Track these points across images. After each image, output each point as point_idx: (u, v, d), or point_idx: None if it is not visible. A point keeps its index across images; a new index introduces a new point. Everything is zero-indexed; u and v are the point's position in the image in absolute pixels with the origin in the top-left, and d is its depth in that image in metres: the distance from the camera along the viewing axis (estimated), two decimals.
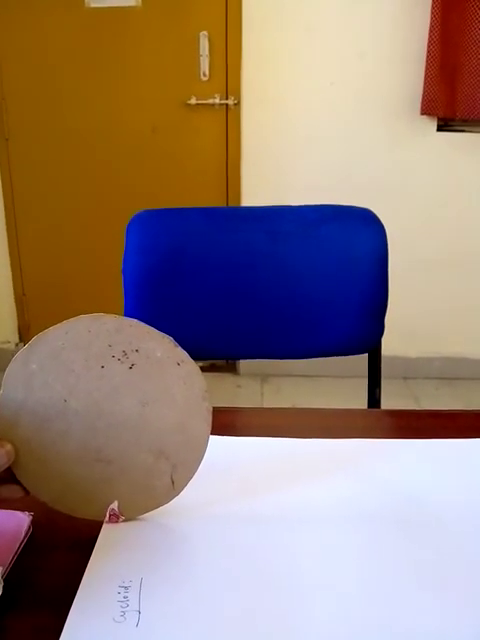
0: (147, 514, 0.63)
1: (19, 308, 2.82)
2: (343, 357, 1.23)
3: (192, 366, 0.59)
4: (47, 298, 2.79)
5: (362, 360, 1.26)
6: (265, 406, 2.47)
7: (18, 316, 2.83)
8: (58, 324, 0.57)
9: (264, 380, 2.73)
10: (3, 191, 2.66)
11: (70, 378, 0.58)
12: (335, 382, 2.64)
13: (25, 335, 2.84)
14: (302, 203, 1.22)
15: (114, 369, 0.58)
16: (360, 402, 1.27)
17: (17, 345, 2.84)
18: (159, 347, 0.58)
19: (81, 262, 2.74)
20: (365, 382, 1.26)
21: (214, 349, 1.21)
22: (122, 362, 0.58)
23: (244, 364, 2.76)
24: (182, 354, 0.59)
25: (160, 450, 0.60)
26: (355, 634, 0.50)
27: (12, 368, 0.58)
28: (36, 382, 0.58)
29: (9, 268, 2.76)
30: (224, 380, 2.72)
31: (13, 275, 2.77)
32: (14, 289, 2.79)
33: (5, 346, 2.83)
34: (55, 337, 0.57)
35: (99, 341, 0.57)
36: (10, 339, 2.84)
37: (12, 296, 2.80)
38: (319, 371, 2.68)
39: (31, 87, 2.54)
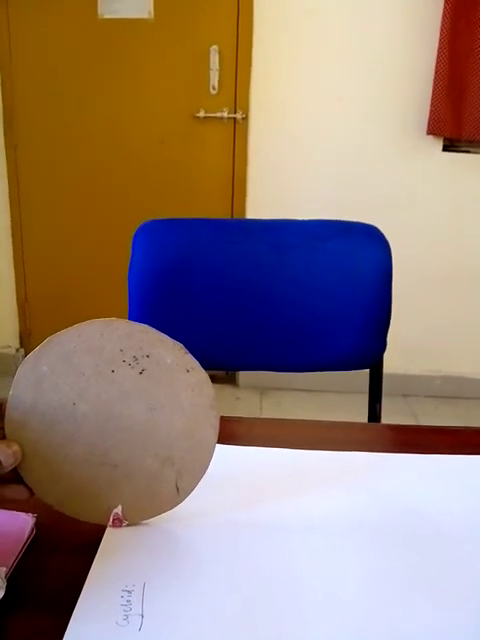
0: (150, 519, 0.63)
1: (21, 314, 2.82)
2: (343, 372, 1.23)
3: (201, 374, 0.60)
4: (49, 305, 2.80)
5: (362, 376, 1.26)
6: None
7: (19, 322, 2.83)
8: (70, 327, 0.58)
9: (263, 393, 2.73)
10: (10, 197, 2.67)
11: (80, 381, 0.58)
12: (335, 397, 2.64)
13: (26, 341, 2.85)
14: (306, 218, 1.23)
15: (124, 374, 0.59)
16: (360, 418, 1.27)
17: (17, 350, 2.84)
18: (169, 354, 0.59)
19: (85, 271, 2.75)
20: (365, 398, 1.27)
21: (215, 360, 1.21)
22: (132, 367, 0.59)
23: (243, 376, 2.76)
24: (192, 362, 0.59)
25: (166, 456, 0.61)
26: None
27: (23, 369, 0.58)
28: (46, 384, 0.58)
29: (13, 274, 2.77)
30: (223, 392, 2.72)
31: (16, 281, 2.78)
32: (17, 295, 2.80)
33: (6, 351, 2.83)
34: (67, 340, 0.58)
35: (111, 345, 0.58)
36: (11, 344, 2.84)
37: (15, 302, 2.80)
38: (319, 386, 2.68)
39: (41, 95, 2.56)
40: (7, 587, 0.54)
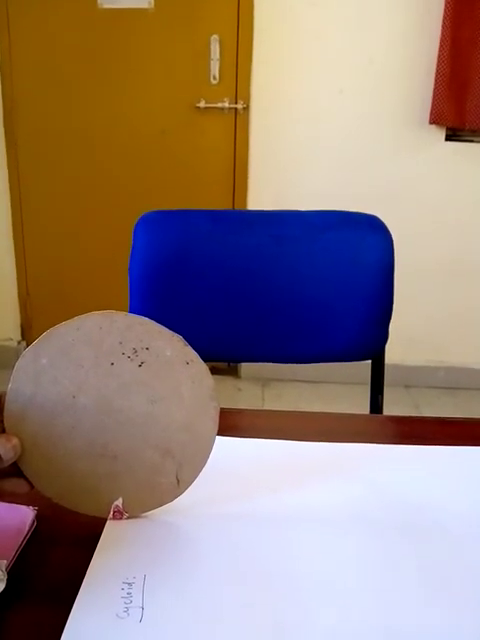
0: (151, 512, 0.63)
1: (22, 306, 2.83)
2: (345, 363, 1.23)
3: (201, 366, 0.60)
4: (50, 298, 2.80)
5: (364, 367, 1.26)
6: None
7: (21, 314, 2.84)
8: (69, 320, 0.58)
9: (265, 384, 2.73)
10: (11, 191, 2.67)
11: (79, 374, 0.58)
12: (337, 388, 2.64)
13: (27, 333, 2.85)
14: (308, 208, 1.23)
15: (124, 366, 0.58)
16: (362, 409, 1.27)
17: (19, 343, 2.84)
18: (169, 346, 0.59)
19: (86, 263, 2.75)
20: (367, 389, 1.26)
21: (217, 351, 1.21)
22: (132, 360, 0.58)
23: (245, 367, 2.76)
24: (191, 353, 0.59)
25: (166, 448, 0.60)
26: (354, 633, 0.50)
27: (22, 362, 0.58)
28: (45, 377, 0.58)
29: (14, 267, 2.77)
30: (225, 383, 2.73)
31: (17, 274, 2.78)
32: (18, 288, 2.80)
33: (7, 343, 2.83)
34: (66, 333, 0.58)
35: (110, 338, 0.58)
36: (12, 336, 2.85)
37: (16, 294, 2.80)
38: (320, 377, 2.68)
39: (41, 87, 2.55)
40: (8, 580, 0.54)
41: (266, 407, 2.55)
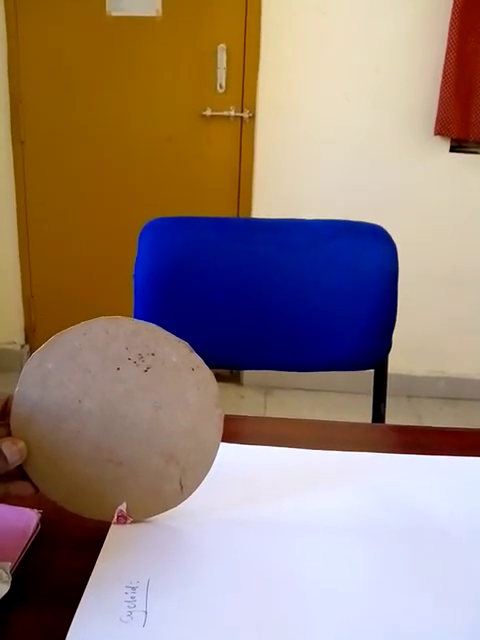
0: (154, 517, 0.63)
1: (26, 310, 2.83)
2: (348, 372, 1.23)
3: (206, 372, 0.60)
4: (54, 301, 2.80)
5: (367, 376, 1.26)
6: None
7: (25, 317, 2.84)
8: (76, 325, 0.58)
9: (268, 392, 2.73)
10: (16, 193, 2.68)
11: (86, 379, 0.59)
12: (339, 397, 2.64)
13: (31, 337, 2.85)
14: (312, 217, 1.23)
15: (130, 372, 0.59)
16: (364, 418, 1.27)
17: (23, 346, 2.85)
18: (175, 352, 0.59)
19: (90, 267, 2.76)
20: (369, 398, 1.26)
21: (220, 358, 1.21)
22: (138, 365, 0.59)
23: (248, 375, 2.76)
24: (197, 360, 0.60)
25: (171, 454, 0.61)
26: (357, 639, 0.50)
27: (29, 367, 0.58)
28: (52, 381, 0.59)
29: (18, 269, 2.78)
30: (227, 391, 2.73)
31: (22, 277, 2.79)
32: (22, 291, 2.81)
33: (11, 347, 2.83)
34: (73, 337, 0.58)
35: (116, 343, 0.58)
36: (16, 340, 2.85)
37: (20, 297, 2.81)
38: (323, 385, 2.68)
39: (49, 91, 2.56)
40: (12, 582, 0.54)
41: (268, 415, 2.55)
